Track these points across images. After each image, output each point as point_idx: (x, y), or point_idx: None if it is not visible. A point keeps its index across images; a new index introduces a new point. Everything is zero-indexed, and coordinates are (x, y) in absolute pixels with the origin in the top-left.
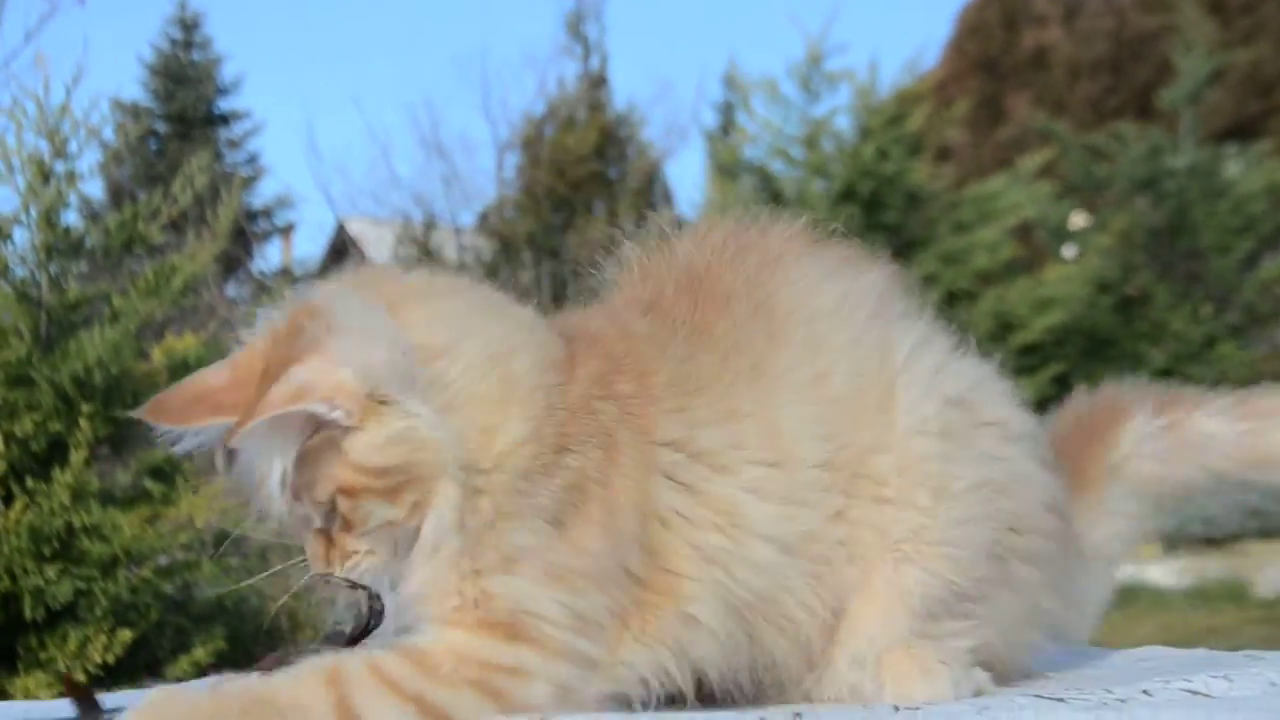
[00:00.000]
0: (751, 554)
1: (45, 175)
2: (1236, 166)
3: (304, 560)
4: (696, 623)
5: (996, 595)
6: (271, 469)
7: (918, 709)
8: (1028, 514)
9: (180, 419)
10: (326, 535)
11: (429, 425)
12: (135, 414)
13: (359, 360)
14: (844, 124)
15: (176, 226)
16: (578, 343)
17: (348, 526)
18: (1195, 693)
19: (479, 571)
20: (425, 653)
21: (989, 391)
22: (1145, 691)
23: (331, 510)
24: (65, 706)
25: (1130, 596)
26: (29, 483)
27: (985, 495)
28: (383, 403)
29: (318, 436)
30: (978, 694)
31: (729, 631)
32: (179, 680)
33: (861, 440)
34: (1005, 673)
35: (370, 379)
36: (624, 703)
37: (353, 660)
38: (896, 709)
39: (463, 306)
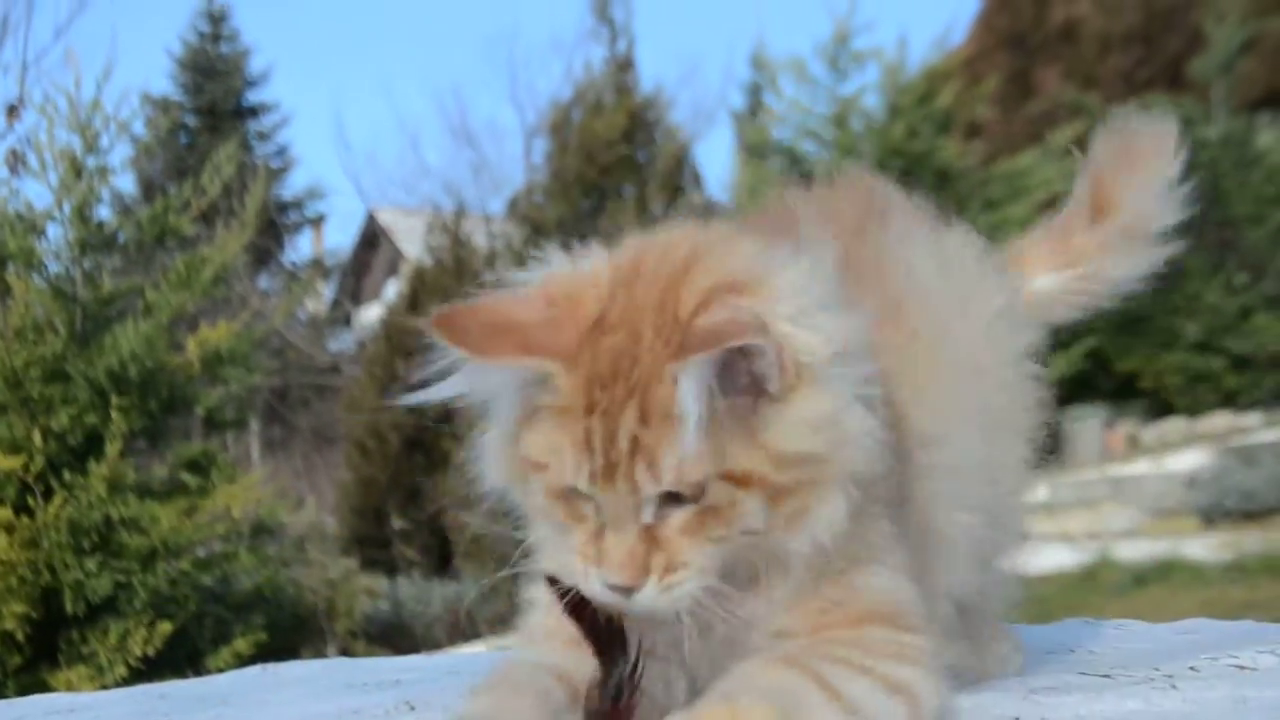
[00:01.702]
0: (964, 497)
1: (78, 171)
2: (1270, 136)
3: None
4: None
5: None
6: (694, 410)
7: (961, 687)
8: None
9: (480, 348)
10: (652, 534)
11: (859, 419)
12: (423, 324)
13: (808, 319)
14: (873, 102)
15: (207, 219)
16: None
17: (696, 527)
18: (1243, 667)
19: (841, 571)
20: (851, 640)
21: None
22: (1192, 668)
23: (675, 499)
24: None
25: (1169, 571)
26: (66, 476)
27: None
28: (821, 382)
29: (730, 399)
30: (1019, 670)
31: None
32: (220, 671)
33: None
34: None
35: (820, 344)
36: None
37: (795, 649)
38: None
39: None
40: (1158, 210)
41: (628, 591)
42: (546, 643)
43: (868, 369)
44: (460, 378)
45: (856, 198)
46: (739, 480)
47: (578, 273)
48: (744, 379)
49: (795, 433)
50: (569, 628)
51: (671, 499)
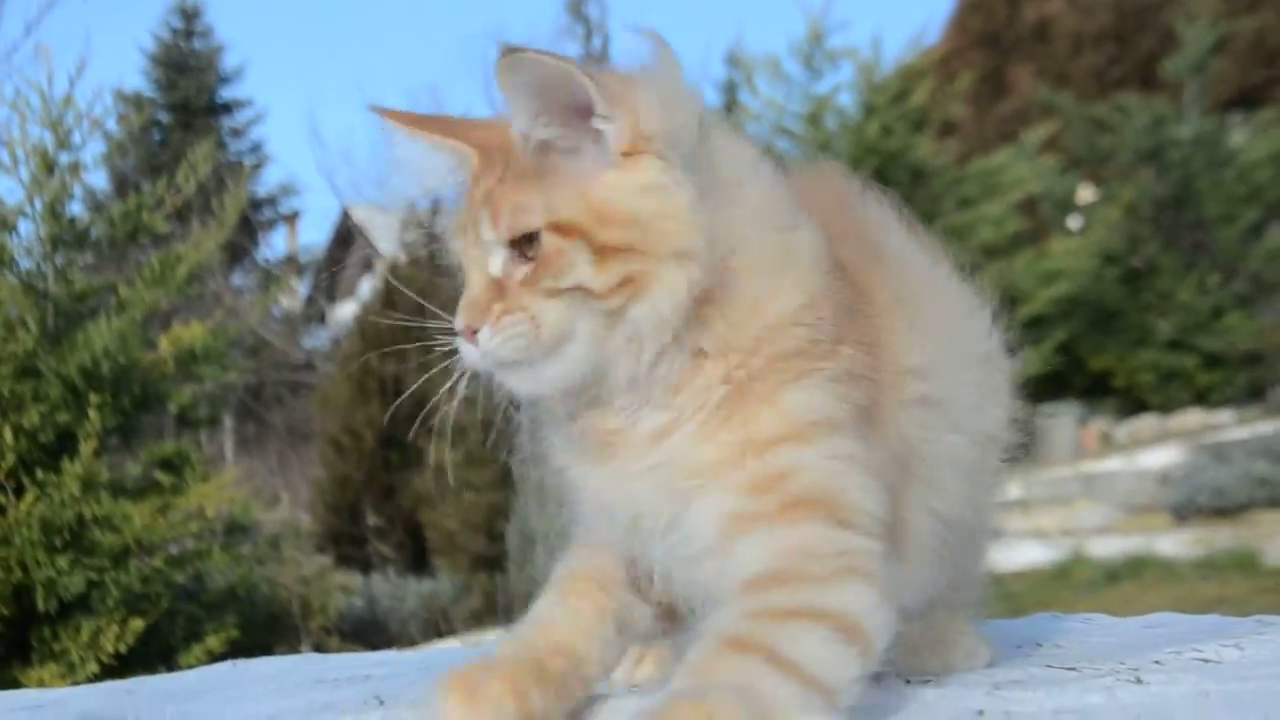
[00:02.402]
0: (958, 456)
1: (50, 167)
2: (1241, 135)
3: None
4: (909, 566)
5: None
6: (521, 110)
7: (928, 681)
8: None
9: (411, 124)
10: (500, 285)
11: (691, 202)
12: (375, 109)
13: (661, 108)
14: (847, 101)
15: (181, 216)
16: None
17: (533, 279)
18: (1207, 661)
19: (756, 444)
20: (787, 570)
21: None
22: (1157, 662)
23: (522, 253)
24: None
25: (1140, 568)
26: (39, 474)
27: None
28: (657, 156)
29: (572, 154)
30: (989, 664)
31: (921, 585)
32: (190, 669)
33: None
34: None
35: (662, 127)
36: None
37: (741, 622)
38: (908, 681)
39: (760, 159)
40: None
41: (472, 334)
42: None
43: (713, 186)
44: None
45: (835, 181)
46: (564, 230)
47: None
48: (585, 135)
49: (618, 193)
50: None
51: (520, 256)
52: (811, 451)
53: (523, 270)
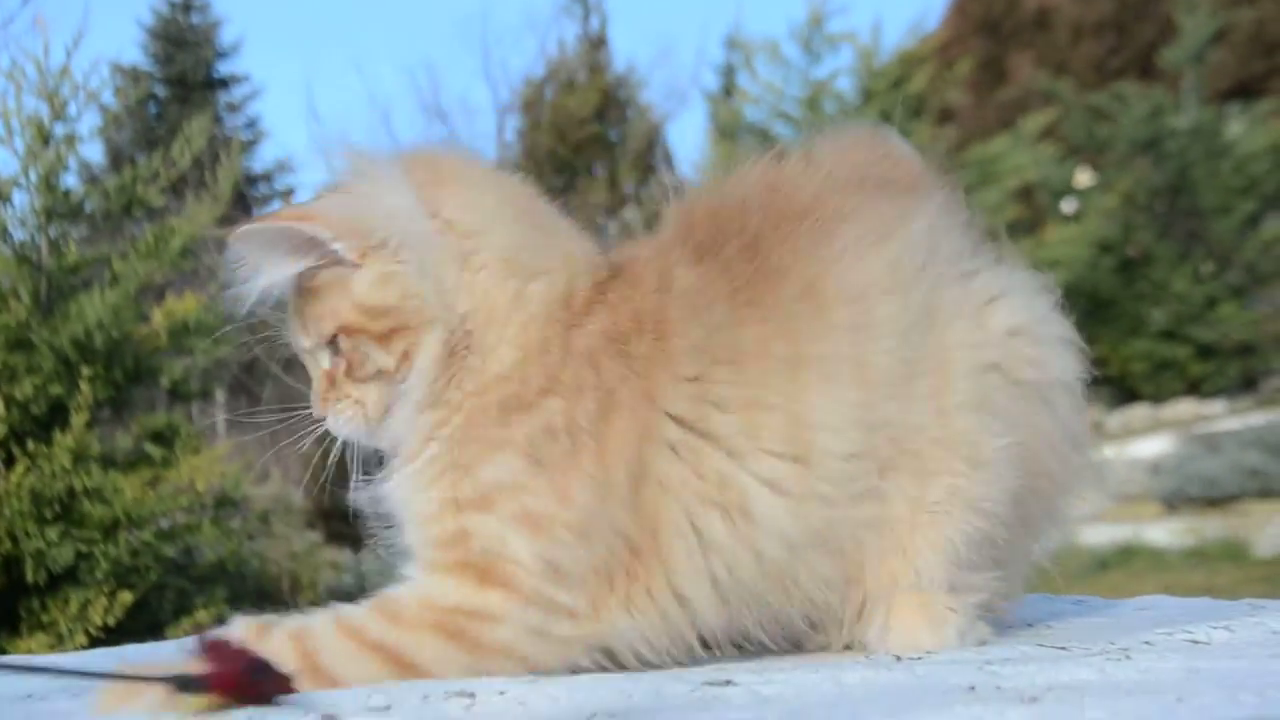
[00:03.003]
0: (756, 547)
1: (45, 138)
2: (1239, 126)
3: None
4: (687, 600)
5: (1016, 542)
6: (259, 276)
7: (920, 658)
8: (1046, 464)
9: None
10: (330, 377)
11: (416, 275)
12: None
13: (368, 208)
14: (846, 86)
15: (176, 190)
16: (612, 285)
17: (349, 370)
18: (1197, 641)
19: (459, 504)
20: (393, 600)
21: (1030, 339)
22: (1147, 642)
23: (336, 350)
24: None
25: (1130, 557)
26: (30, 446)
27: (1016, 452)
28: (380, 250)
29: (328, 272)
30: (981, 643)
31: (720, 611)
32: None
33: (906, 419)
34: (1004, 618)
35: (371, 227)
36: (611, 657)
37: (322, 615)
38: (898, 658)
39: (508, 206)
40: None
41: (321, 420)
42: None
43: (446, 254)
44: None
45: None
46: (349, 330)
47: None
48: (325, 258)
49: (367, 290)
50: None
51: (335, 352)
52: (491, 517)
53: (340, 364)
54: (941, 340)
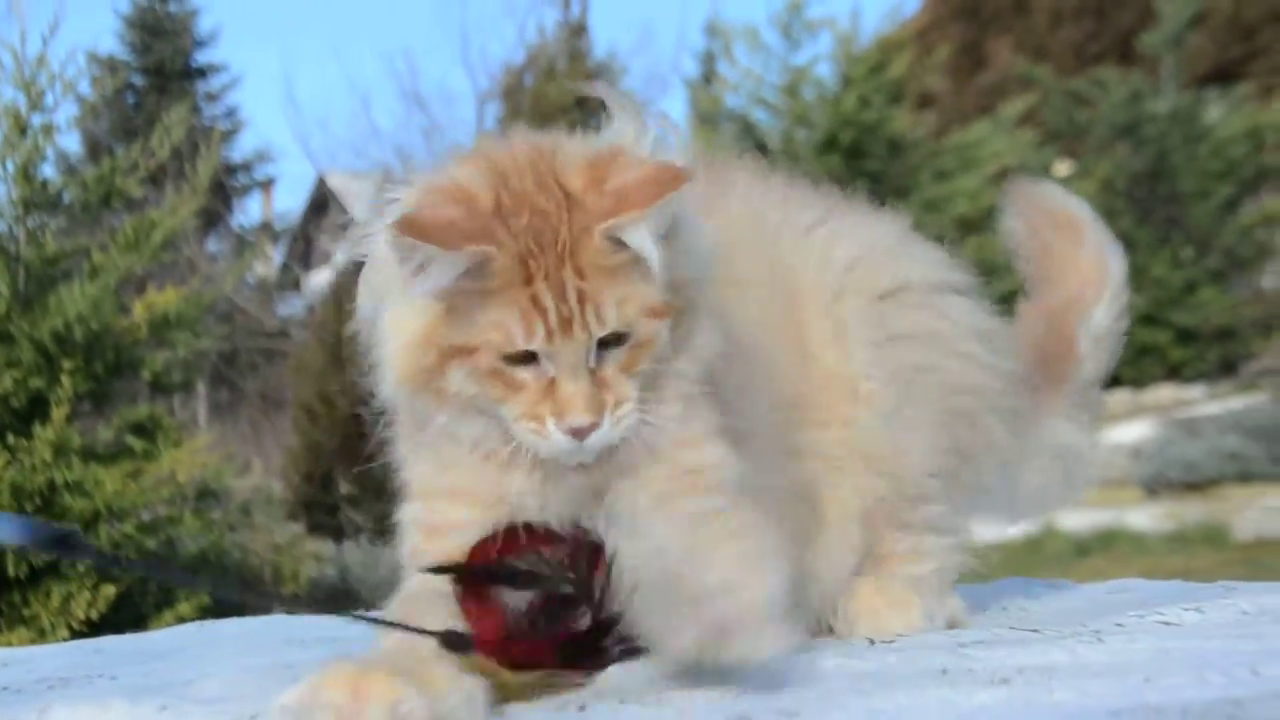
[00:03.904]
0: None
1: (22, 128)
2: (1217, 111)
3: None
4: None
5: (955, 478)
6: (653, 252)
7: (892, 642)
8: (955, 376)
9: (440, 240)
10: (597, 378)
11: (703, 252)
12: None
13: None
14: (825, 72)
15: (155, 180)
16: None
17: (628, 364)
18: (1168, 623)
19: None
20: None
21: (885, 254)
22: (1119, 624)
23: (605, 342)
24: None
25: (1110, 540)
26: (10, 439)
27: (908, 378)
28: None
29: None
30: (952, 624)
31: None
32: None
33: (790, 377)
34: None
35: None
36: None
37: None
38: (872, 642)
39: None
40: None
41: (590, 431)
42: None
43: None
44: (433, 272)
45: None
46: (657, 312)
47: (448, 182)
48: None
49: (681, 260)
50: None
51: (603, 344)
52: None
53: (614, 358)
54: (794, 290)
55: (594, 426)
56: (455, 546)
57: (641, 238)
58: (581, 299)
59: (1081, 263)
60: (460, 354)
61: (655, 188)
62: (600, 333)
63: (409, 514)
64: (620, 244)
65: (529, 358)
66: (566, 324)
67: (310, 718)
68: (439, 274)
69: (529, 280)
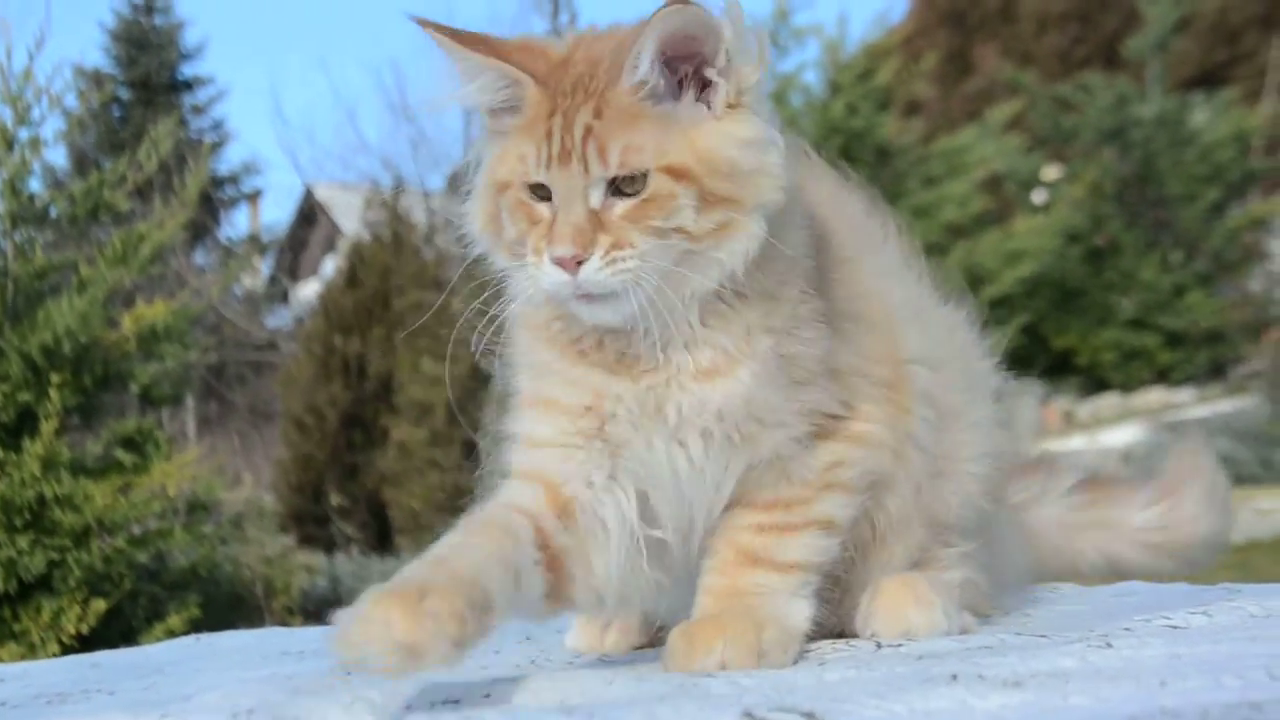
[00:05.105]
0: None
1: (9, 143)
2: (1203, 115)
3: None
4: None
5: (987, 532)
6: (648, 55)
7: (900, 646)
8: (1005, 467)
9: (460, 40)
10: (598, 218)
11: (781, 157)
12: (418, 20)
13: (756, 63)
14: (812, 79)
15: (142, 194)
16: None
17: (637, 216)
18: (1176, 627)
19: (795, 384)
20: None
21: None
22: (1126, 628)
23: (621, 190)
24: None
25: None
26: None
27: (991, 433)
28: (753, 111)
29: (671, 102)
30: (964, 631)
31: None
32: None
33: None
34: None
35: (755, 82)
36: None
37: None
38: (879, 645)
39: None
40: None
41: (575, 263)
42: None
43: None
44: (449, 78)
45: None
46: (676, 174)
47: (538, 40)
48: (688, 71)
49: (727, 143)
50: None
51: (617, 192)
52: (826, 395)
53: (623, 205)
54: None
55: (578, 260)
56: (545, 459)
57: (641, 55)
58: (587, 135)
59: None
60: (503, 189)
61: (672, 18)
62: (600, 171)
63: (511, 426)
64: (657, 97)
65: (546, 192)
66: (566, 155)
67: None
68: (480, 88)
69: (552, 114)
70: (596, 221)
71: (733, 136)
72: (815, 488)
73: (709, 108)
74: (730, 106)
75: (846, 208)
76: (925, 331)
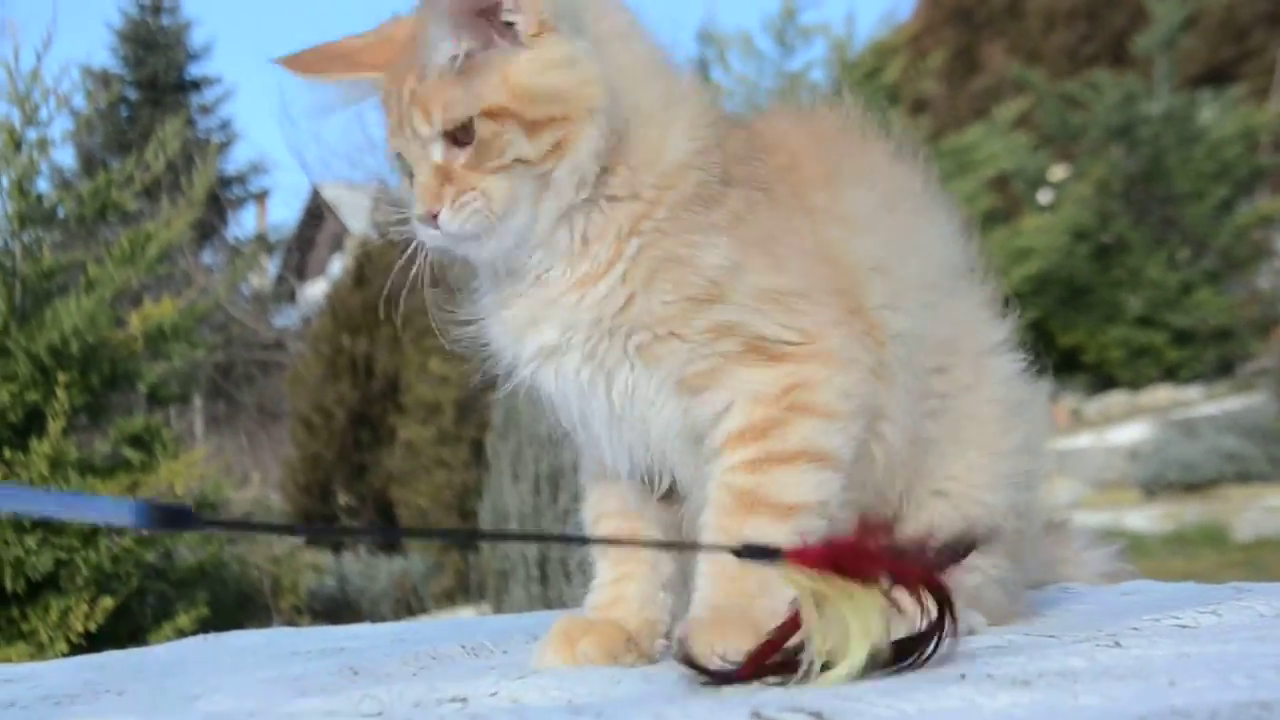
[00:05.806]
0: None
1: (17, 143)
2: (1210, 112)
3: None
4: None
5: (1011, 542)
6: (442, 49)
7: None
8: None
9: (315, 70)
10: (445, 171)
11: (590, 61)
12: (277, 61)
13: None
14: (819, 77)
15: (150, 194)
16: (732, 121)
17: (476, 161)
18: (1184, 626)
19: (696, 301)
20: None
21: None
22: (1135, 628)
23: (460, 141)
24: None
25: (1109, 542)
26: (7, 453)
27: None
28: (557, 32)
29: (483, 53)
30: (971, 632)
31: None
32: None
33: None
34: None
35: (556, 6)
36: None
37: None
38: None
39: (640, 23)
40: None
41: (432, 217)
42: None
43: (599, 42)
44: (322, 99)
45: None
46: (494, 114)
47: (403, 18)
48: (494, 31)
49: (534, 69)
50: None
51: (455, 142)
52: (733, 306)
53: (463, 155)
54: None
55: (433, 214)
56: None
57: (432, 38)
58: (412, 100)
59: None
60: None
61: None
62: (425, 130)
63: None
64: (469, 55)
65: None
66: (400, 124)
67: None
68: (356, 96)
69: (392, 88)
70: (444, 175)
71: (539, 61)
72: (781, 407)
73: (520, 43)
74: (534, 35)
75: (871, 163)
76: (944, 311)
